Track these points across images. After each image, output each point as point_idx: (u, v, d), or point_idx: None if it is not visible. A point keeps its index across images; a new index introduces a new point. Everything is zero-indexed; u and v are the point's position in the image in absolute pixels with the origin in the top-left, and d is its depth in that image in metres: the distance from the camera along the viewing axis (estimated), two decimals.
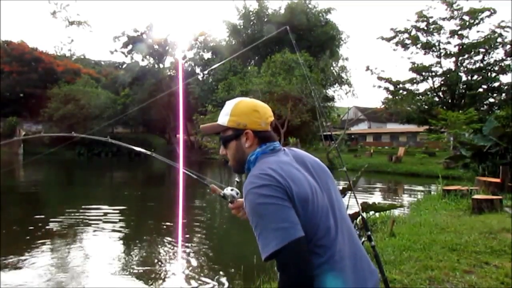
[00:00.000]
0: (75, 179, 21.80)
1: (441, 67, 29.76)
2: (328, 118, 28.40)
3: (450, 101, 29.45)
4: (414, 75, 30.68)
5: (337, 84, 33.88)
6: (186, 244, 6.86)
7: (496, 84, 28.62)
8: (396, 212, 7.54)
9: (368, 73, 31.51)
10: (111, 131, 45.93)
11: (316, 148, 31.54)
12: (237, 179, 1.72)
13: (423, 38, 29.86)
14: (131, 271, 5.46)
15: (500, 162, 9.91)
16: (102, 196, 13.75)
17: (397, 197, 14.21)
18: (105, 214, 9.39)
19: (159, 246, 6.83)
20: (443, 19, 28.87)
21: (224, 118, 1.33)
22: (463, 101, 28.64)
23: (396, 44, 30.74)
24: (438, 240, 4.66)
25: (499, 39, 27.44)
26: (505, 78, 33.73)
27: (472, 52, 28.68)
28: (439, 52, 29.64)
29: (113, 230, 7.86)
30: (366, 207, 5.19)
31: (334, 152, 23.46)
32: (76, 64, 52.51)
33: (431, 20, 29.01)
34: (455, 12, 28.20)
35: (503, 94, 28.76)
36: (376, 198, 13.02)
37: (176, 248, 6.68)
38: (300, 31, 33.80)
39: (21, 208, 10.69)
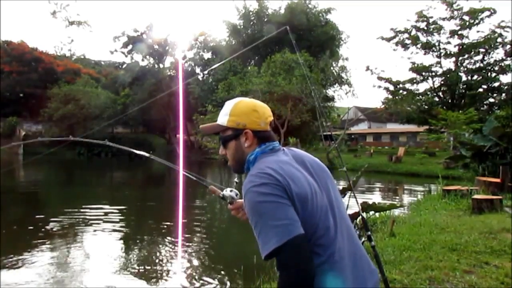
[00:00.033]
0: (75, 179, 21.81)
1: (441, 67, 29.79)
2: (328, 118, 28.38)
3: (450, 101, 29.45)
4: (414, 75, 30.71)
5: (337, 84, 33.86)
6: (186, 244, 6.86)
7: (496, 84, 28.63)
8: (396, 212, 7.54)
9: (368, 73, 31.57)
10: (111, 131, 45.94)
11: (316, 148, 31.54)
12: (236, 180, 1.71)
13: (423, 38, 29.87)
14: (132, 270, 5.47)
15: (500, 162, 9.91)
16: (102, 196, 13.76)
17: (397, 197, 14.20)
18: (106, 214, 9.40)
19: (159, 246, 6.83)
20: (443, 19, 28.89)
21: (223, 118, 1.33)
22: (463, 101, 28.64)
23: (396, 44, 30.74)
24: (438, 240, 4.66)
25: (499, 39, 27.46)
26: (505, 78, 33.81)
27: (472, 52, 28.68)
28: (439, 52, 29.65)
29: (113, 230, 7.87)
30: (366, 207, 5.18)
31: (334, 152, 23.46)
32: (76, 64, 52.50)
33: (431, 20, 29.02)
34: (455, 12, 28.21)
35: (503, 94, 28.77)
36: (376, 198, 13.03)
37: (176, 247, 6.68)
38: (300, 31, 33.80)
39: (21, 208, 10.68)
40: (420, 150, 29.45)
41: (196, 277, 5.28)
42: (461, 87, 29.01)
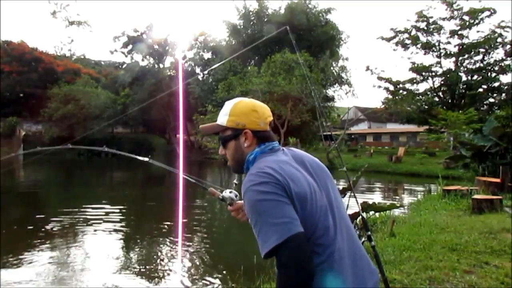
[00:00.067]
0: (75, 179, 21.81)
1: (441, 67, 29.77)
2: (328, 118, 28.37)
3: (450, 101, 29.44)
4: (414, 75, 30.69)
5: (337, 84, 33.86)
6: (187, 244, 6.86)
7: (496, 84, 28.61)
8: (396, 212, 7.54)
9: (368, 73, 31.55)
10: (111, 131, 45.98)
11: (316, 148, 31.56)
12: (235, 181, 1.71)
13: (423, 38, 29.85)
14: (132, 270, 5.47)
15: (500, 162, 9.91)
16: (102, 196, 13.75)
17: (397, 197, 14.20)
18: (106, 213, 9.41)
19: (160, 246, 6.84)
20: (443, 19, 28.88)
21: (223, 118, 1.33)
22: (463, 101, 28.64)
23: (396, 44, 30.73)
24: (438, 240, 4.66)
25: (499, 39, 27.43)
26: (505, 78, 33.80)
27: (472, 52, 28.66)
28: (439, 52, 29.64)
29: (114, 230, 7.87)
30: (366, 207, 5.18)
31: (334, 152, 23.46)
32: (76, 64, 52.51)
33: (431, 20, 29.00)
34: (455, 12, 28.20)
35: (503, 94, 28.75)
36: (376, 198, 13.02)
37: (177, 247, 6.68)
38: (300, 31, 33.80)
39: (21, 208, 10.69)
40: (420, 150, 29.45)
41: (196, 277, 5.29)
42: (461, 87, 29.01)
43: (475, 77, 28.90)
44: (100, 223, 8.35)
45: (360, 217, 3.63)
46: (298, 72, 26.00)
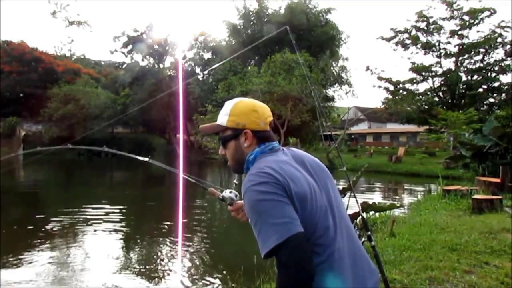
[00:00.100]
0: (75, 179, 21.80)
1: (441, 67, 29.78)
2: (328, 118, 28.37)
3: (450, 101, 29.45)
4: (414, 75, 30.69)
5: (337, 84, 33.88)
6: (187, 244, 6.86)
7: (496, 84, 28.61)
8: (396, 212, 7.54)
9: (368, 73, 31.55)
10: (111, 131, 45.98)
11: (316, 148, 31.55)
12: (235, 181, 1.71)
13: (423, 38, 29.85)
14: (132, 270, 5.47)
15: (500, 162, 9.91)
16: (102, 196, 13.75)
17: (397, 197, 14.20)
18: (106, 213, 9.41)
19: (160, 246, 6.84)
20: (443, 19, 28.88)
21: (223, 118, 1.33)
22: (463, 101, 28.64)
23: (396, 44, 30.73)
24: (438, 240, 4.66)
25: (499, 39, 27.43)
26: (505, 78, 33.79)
27: (472, 52, 28.66)
28: (439, 52, 29.64)
29: (114, 230, 7.87)
30: (366, 207, 5.19)
31: (334, 152, 23.45)
32: (76, 64, 52.52)
33: (431, 20, 29.00)
34: (455, 12, 28.20)
35: (503, 94, 28.75)
36: (376, 198, 13.02)
37: (177, 247, 6.68)
38: (300, 31, 33.80)
39: (21, 208, 10.69)
40: (420, 150, 29.45)
41: (196, 277, 5.29)
42: (461, 87, 29.01)
43: (475, 77, 28.90)
44: (100, 223, 8.35)
45: (360, 217, 3.63)
46: (298, 72, 26.00)
